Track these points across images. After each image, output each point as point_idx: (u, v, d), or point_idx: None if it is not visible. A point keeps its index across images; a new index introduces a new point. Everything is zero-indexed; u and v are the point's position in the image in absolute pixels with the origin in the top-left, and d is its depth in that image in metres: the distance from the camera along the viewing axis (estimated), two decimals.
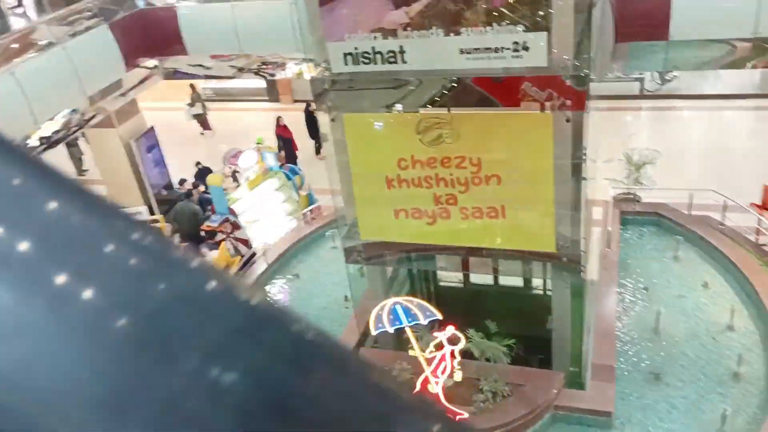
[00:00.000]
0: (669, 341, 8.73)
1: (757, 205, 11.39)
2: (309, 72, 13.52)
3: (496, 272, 9.20)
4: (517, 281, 9.86)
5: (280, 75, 13.82)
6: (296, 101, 23.60)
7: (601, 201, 11.23)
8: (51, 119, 10.54)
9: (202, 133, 20.69)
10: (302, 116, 17.54)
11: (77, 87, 10.63)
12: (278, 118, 16.74)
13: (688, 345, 8.62)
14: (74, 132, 11.72)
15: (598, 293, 9.49)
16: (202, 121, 21.00)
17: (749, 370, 8.12)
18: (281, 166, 15.11)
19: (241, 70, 13.43)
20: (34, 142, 10.18)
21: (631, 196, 11.58)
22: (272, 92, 23.75)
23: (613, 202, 11.35)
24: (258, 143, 13.79)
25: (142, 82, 12.44)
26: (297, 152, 16.49)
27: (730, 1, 8.75)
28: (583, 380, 8.35)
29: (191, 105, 20.64)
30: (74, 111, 11.04)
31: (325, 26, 6.65)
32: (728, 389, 7.90)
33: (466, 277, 10.19)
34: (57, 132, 10.57)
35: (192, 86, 20.19)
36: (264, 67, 13.70)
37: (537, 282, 9.64)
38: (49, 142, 10.57)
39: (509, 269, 8.99)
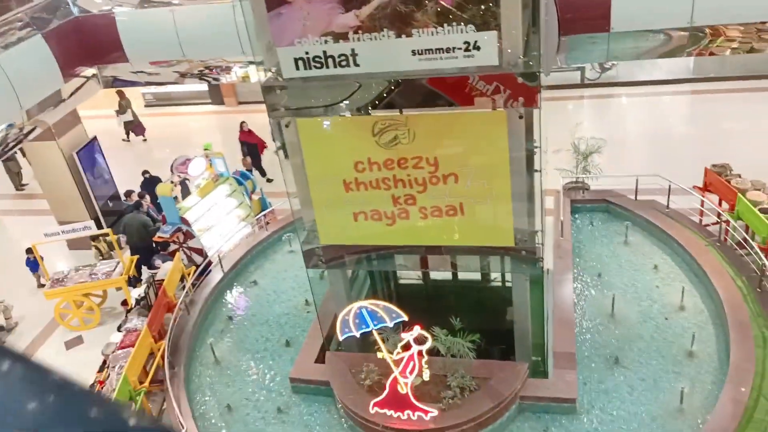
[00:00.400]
0: (625, 324, 9.00)
1: (699, 188, 11.85)
2: (255, 75, 13.39)
3: (455, 268, 9.29)
4: (476, 275, 10.00)
5: (225, 79, 13.53)
6: (241, 103, 23.30)
7: (553, 191, 11.48)
8: None
9: (126, 140, 19.99)
10: (260, 119, 17.27)
11: (12, 101, 10.17)
12: (242, 123, 16.37)
13: (643, 327, 8.91)
14: (12, 148, 11.22)
15: (555, 282, 9.70)
16: (134, 127, 20.40)
17: (702, 348, 8.45)
18: (250, 171, 14.88)
19: (183, 75, 13.11)
20: None
21: (580, 185, 11.86)
22: (215, 95, 23.32)
23: (563, 192, 11.60)
24: (206, 149, 13.50)
25: (75, 92, 11.92)
26: (262, 155, 16.22)
27: None
28: (546, 369, 8.54)
29: (121, 112, 20.02)
30: (10, 126, 10.57)
31: (273, 31, 6.53)
32: (684, 368, 8.21)
33: (426, 274, 10.26)
34: None
35: (120, 93, 19.56)
36: (207, 71, 13.42)
37: (496, 275, 9.80)
38: None
39: (468, 265, 9.10)
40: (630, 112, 18.62)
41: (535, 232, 7.32)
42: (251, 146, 16.11)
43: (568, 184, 11.85)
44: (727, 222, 10.17)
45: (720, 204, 11.53)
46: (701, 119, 17.35)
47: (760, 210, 10.34)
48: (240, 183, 13.68)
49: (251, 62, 12.72)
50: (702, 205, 11.04)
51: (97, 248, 12.47)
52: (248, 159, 15.73)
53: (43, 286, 12.52)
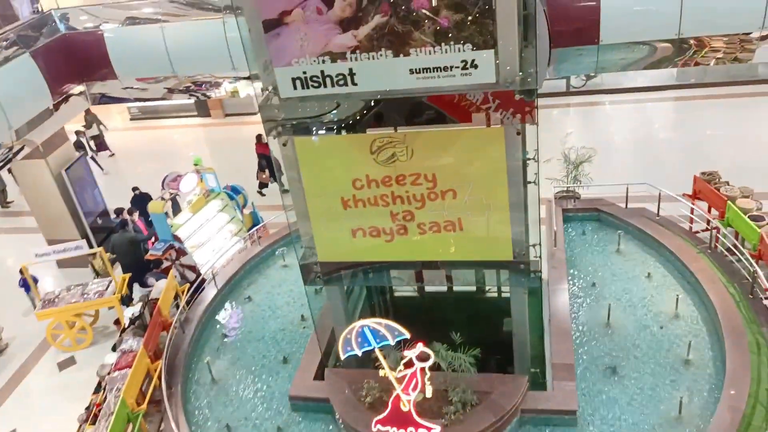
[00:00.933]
0: (621, 334, 9.08)
1: (689, 195, 12.01)
2: (244, 90, 13.38)
3: (450, 281, 9.32)
4: (472, 286, 10.03)
5: (214, 94, 13.52)
6: (228, 115, 23.24)
7: (544, 200, 11.58)
8: None
9: (93, 157, 19.52)
10: (248, 131, 17.18)
11: (1, 120, 10.08)
12: (259, 136, 16.23)
13: (639, 336, 8.98)
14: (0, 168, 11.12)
15: (550, 292, 9.76)
16: (100, 142, 20.14)
17: (698, 356, 8.54)
18: (266, 186, 14.61)
19: (171, 91, 13.08)
20: None
21: (571, 194, 11.97)
22: (202, 108, 23.25)
23: (554, 201, 11.70)
24: (196, 164, 13.45)
25: (57, 106, 11.73)
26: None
27: (655, 5, 9.19)
28: (545, 380, 8.58)
29: (87, 127, 19.80)
30: None
31: (271, 51, 6.54)
32: (681, 376, 8.28)
33: (421, 286, 10.28)
34: None
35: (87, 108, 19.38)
36: (195, 87, 13.38)
37: (492, 285, 9.85)
38: None
39: (465, 278, 9.15)
40: (615, 119, 18.85)
41: (534, 245, 7.37)
42: (269, 159, 15.99)
43: (559, 194, 11.96)
44: (717, 229, 10.31)
45: (709, 211, 11.69)
46: (686, 125, 17.61)
47: (749, 217, 10.50)
48: (231, 198, 13.64)
49: (240, 78, 12.76)
50: (692, 213, 11.18)
51: (92, 266, 12.34)
52: (266, 172, 15.57)
53: (35, 307, 12.37)
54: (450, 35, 6.07)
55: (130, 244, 12.64)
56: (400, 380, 6.95)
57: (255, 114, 22.00)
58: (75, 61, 11.68)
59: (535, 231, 7.49)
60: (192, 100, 22.23)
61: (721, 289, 9.31)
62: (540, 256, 7.54)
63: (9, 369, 11.67)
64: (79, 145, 18.62)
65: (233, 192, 13.94)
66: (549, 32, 9.19)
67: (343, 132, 7.29)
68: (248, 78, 12.58)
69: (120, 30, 11.81)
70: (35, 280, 12.54)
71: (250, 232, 12.72)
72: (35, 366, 11.65)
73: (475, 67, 6.14)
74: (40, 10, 12.95)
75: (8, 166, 12.51)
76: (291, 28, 6.37)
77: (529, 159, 7.08)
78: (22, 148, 11.22)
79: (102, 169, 19.32)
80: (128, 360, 9.14)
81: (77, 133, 19.27)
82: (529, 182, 7.19)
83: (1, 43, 11.11)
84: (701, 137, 16.61)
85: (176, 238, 12.19)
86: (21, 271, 12.32)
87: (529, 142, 6.87)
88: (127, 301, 11.88)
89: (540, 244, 7.55)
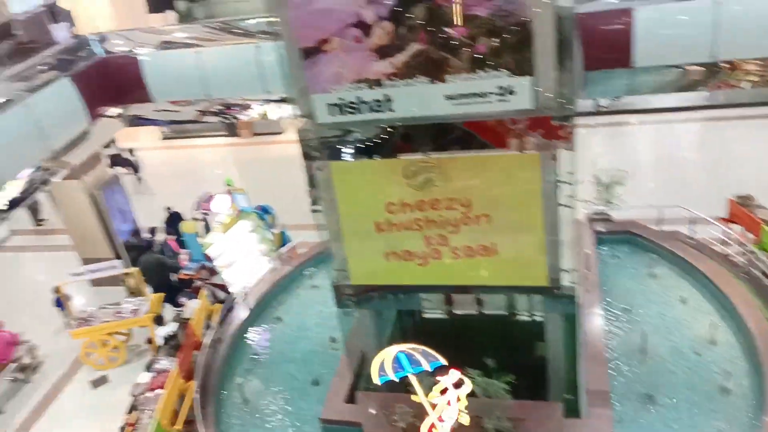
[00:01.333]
0: (656, 360, 8.93)
1: (724, 219, 11.84)
2: (274, 113, 13.56)
3: (480, 305, 9.26)
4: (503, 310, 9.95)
5: (244, 117, 13.72)
6: (256, 134, 23.51)
7: (577, 223, 11.47)
8: (15, 178, 10.22)
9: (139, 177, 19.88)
10: (275, 151, 17.33)
11: (41, 143, 10.35)
12: None
13: (674, 363, 8.83)
14: (38, 188, 11.37)
15: (583, 316, 9.64)
16: (122, 161, 20.30)
17: (736, 383, 8.36)
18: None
19: (203, 113, 13.33)
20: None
21: (603, 216, 11.86)
22: (230, 127, 23.53)
23: (586, 223, 11.61)
24: (228, 185, 13.62)
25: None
26: None
27: (688, 28, 9.15)
28: (579, 407, 8.45)
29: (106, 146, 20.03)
30: (38, 168, 10.73)
31: (308, 79, 6.64)
32: (719, 404, 8.12)
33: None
34: (23, 191, 10.23)
35: None
36: (226, 109, 13.61)
37: (524, 309, 9.75)
38: (14, 203, 10.24)
39: (496, 302, 9.07)
40: (645, 140, 18.69)
41: (570, 270, 7.31)
42: None
43: (591, 216, 11.86)
44: (753, 253, 10.13)
45: (744, 235, 11.50)
46: (717, 146, 17.39)
47: None
48: (261, 218, 13.75)
49: (270, 100, 12.95)
50: (725, 236, 11.01)
51: (126, 285, 12.52)
52: None
53: (69, 325, 12.54)
54: (486, 62, 6.11)
55: (158, 266, 12.81)
56: (434, 407, 6.90)
57: (282, 134, 22.26)
58: (112, 84, 11.95)
59: (571, 255, 7.44)
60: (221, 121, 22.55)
61: (758, 315, 9.13)
62: (577, 283, 7.48)
63: (43, 387, 11.85)
64: (118, 163, 19.07)
65: (263, 212, 14.08)
66: (582, 55, 9.21)
67: (376, 156, 7.34)
68: (278, 101, 12.84)
69: (156, 54, 12.08)
70: (68, 298, 12.75)
71: (280, 251, 12.81)
72: (69, 384, 11.81)
73: (512, 93, 6.17)
74: (75, 33, 13.29)
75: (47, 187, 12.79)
76: (329, 56, 6.47)
77: (563, 182, 7.07)
78: (59, 170, 11.47)
79: (139, 179, 19.63)
80: (162, 380, 9.22)
81: (118, 152, 19.70)
82: (564, 206, 7.17)
83: (41, 67, 11.43)
84: (733, 158, 16.39)
85: (207, 258, 12.32)
86: (56, 290, 12.53)
87: (563, 164, 6.85)
88: (158, 320, 12.01)
89: (578, 270, 7.50)
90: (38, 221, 18.57)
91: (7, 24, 11.88)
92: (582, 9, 9.64)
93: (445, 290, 8.21)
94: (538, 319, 8.65)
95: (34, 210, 18.44)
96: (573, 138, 6.36)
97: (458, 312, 10.22)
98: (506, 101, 6.21)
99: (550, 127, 6.34)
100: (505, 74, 6.11)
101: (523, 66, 6.08)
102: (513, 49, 6.04)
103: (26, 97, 10.30)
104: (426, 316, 10.57)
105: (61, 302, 12.63)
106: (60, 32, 12.72)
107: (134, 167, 19.97)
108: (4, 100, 10.30)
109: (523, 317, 9.92)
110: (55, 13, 12.71)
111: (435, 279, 7.73)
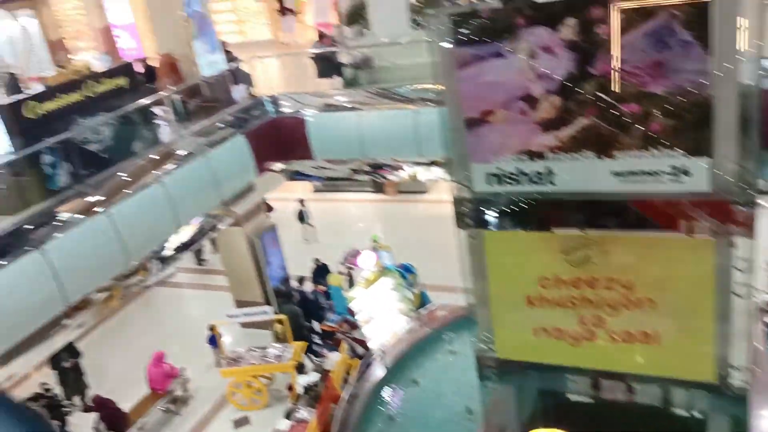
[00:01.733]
0: None
1: None
2: (423, 175, 13.85)
3: (632, 393, 8.61)
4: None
5: (394, 177, 14.16)
6: (400, 192, 24.11)
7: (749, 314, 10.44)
8: (189, 224, 11.20)
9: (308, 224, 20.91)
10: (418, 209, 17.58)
11: (215, 192, 11.30)
12: None
13: None
14: (205, 235, 12.36)
15: (754, 419, 8.63)
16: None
17: None
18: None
19: (356, 171, 13.91)
20: (172, 246, 10.80)
21: None
22: (377, 184, 24.36)
23: (758, 314, 10.51)
24: (374, 241, 13.99)
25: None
26: None
27: None
28: None
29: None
30: (209, 216, 11.70)
31: (469, 147, 6.72)
32: None
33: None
34: (193, 236, 11.18)
35: None
36: (378, 169, 14.11)
37: (681, 401, 8.92)
38: (184, 246, 11.20)
39: (650, 394, 8.39)
40: None
41: (742, 368, 6.62)
42: None
43: (762, 306, 10.74)
44: None
45: None
46: None
47: None
48: (404, 277, 13.93)
49: (420, 162, 13.27)
50: None
51: (274, 330, 13.12)
52: None
53: (219, 363, 13.31)
54: (660, 140, 5.85)
55: (293, 317, 13.35)
56: None
57: (426, 193, 22.64)
58: (279, 142, 12.90)
59: (743, 350, 6.74)
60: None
61: None
62: (751, 383, 6.75)
63: (190, 421, 12.58)
64: (301, 218, 20.43)
65: (405, 270, 14.26)
66: (761, 132, 8.53)
67: (531, 229, 7.19)
68: (428, 164, 13.12)
69: (320, 116, 12.90)
70: (221, 336, 13.58)
71: (419, 312, 12.84)
72: (214, 420, 12.45)
73: (687, 174, 5.83)
74: (252, 94, 14.55)
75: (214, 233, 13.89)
76: (492, 127, 6.51)
77: (738, 269, 6.48)
78: (226, 218, 12.44)
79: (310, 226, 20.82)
80: (301, 430, 9.45)
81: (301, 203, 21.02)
82: (738, 295, 6.55)
83: (220, 124, 12.61)
84: None
85: (350, 312, 12.63)
86: (211, 328, 13.39)
87: (744, 254, 6.29)
88: (299, 368, 12.40)
89: (753, 369, 6.77)
90: (200, 260, 20.14)
91: (196, 85, 13.32)
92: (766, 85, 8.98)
93: (595, 374, 7.74)
94: (697, 415, 7.88)
95: (197, 250, 20.06)
96: (753, 224, 5.85)
97: (606, 397, 9.61)
98: (680, 182, 5.86)
99: (729, 212, 5.88)
100: (680, 154, 5.79)
101: (700, 146, 5.75)
102: (690, 129, 5.73)
103: (206, 151, 11.38)
104: (570, 398, 10.00)
105: (214, 340, 13.46)
106: (239, 93, 14.01)
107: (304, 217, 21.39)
108: (188, 152, 11.43)
109: (680, 412, 9.09)
110: (236, 76, 14.06)
111: (586, 362, 7.32)
